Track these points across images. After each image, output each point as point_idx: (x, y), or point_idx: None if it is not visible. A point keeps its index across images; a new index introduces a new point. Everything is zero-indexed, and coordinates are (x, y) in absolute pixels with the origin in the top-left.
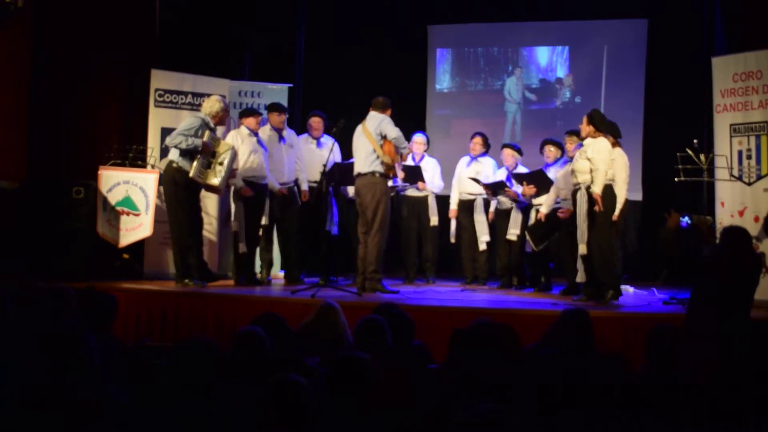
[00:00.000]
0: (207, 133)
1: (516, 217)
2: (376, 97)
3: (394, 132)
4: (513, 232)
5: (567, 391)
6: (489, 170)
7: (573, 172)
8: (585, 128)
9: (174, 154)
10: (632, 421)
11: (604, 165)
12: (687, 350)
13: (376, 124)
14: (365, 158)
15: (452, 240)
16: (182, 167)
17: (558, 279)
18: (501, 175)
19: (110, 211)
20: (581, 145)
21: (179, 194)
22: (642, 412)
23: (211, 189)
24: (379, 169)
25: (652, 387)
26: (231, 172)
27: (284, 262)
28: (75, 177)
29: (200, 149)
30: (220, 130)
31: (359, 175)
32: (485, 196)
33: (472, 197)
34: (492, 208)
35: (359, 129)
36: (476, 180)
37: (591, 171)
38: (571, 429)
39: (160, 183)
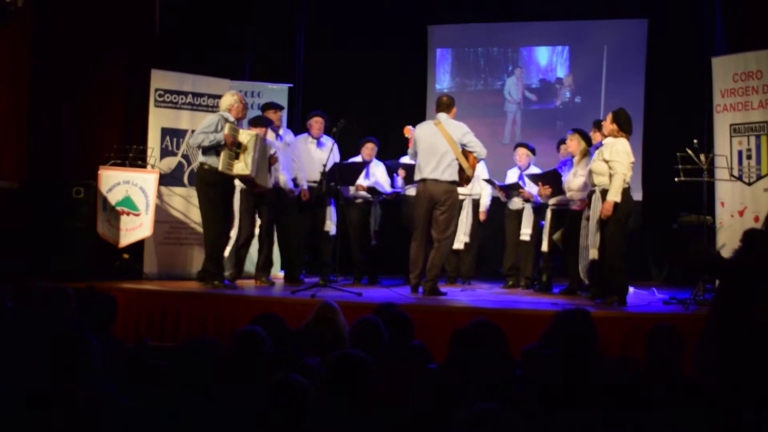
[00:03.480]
0: (228, 125)
1: (528, 217)
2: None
3: (483, 152)
4: (526, 233)
5: (567, 391)
6: (479, 170)
7: (590, 172)
8: (608, 126)
9: (202, 156)
10: (632, 421)
11: (622, 168)
12: (711, 353)
13: (459, 133)
14: (446, 165)
15: None
16: (212, 165)
17: (558, 279)
18: (513, 174)
19: (110, 211)
20: (601, 144)
21: (211, 194)
22: (642, 412)
23: (246, 180)
24: (456, 178)
25: (652, 387)
26: (267, 161)
27: (284, 262)
28: (75, 177)
29: (223, 143)
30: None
31: (436, 180)
32: (474, 197)
33: (461, 198)
34: (483, 208)
35: (433, 129)
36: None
37: (610, 175)
38: (571, 429)
39: (160, 183)
